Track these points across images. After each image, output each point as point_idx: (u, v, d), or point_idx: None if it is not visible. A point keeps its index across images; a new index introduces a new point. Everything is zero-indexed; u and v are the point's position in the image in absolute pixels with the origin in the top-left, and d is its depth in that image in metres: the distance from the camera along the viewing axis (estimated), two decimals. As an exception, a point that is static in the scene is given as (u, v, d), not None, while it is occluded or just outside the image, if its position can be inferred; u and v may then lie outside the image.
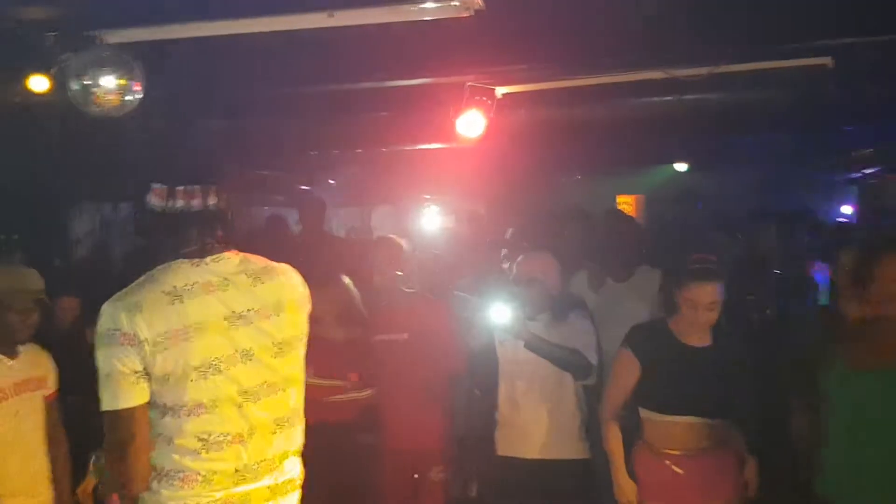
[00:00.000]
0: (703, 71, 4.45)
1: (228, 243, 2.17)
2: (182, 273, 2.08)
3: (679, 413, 3.30)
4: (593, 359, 3.78)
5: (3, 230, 6.20)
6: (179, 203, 2.09)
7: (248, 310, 2.10)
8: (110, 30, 3.85)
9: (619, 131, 5.48)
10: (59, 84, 3.85)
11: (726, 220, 6.42)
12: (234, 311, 2.08)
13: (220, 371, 2.04)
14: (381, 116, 5.08)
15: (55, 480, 3.23)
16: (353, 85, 4.50)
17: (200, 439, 2.03)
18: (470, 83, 4.56)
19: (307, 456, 2.30)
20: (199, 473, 2.04)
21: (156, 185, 2.11)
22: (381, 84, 4.44)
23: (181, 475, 2.04)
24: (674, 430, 3.32)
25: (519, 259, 4.00)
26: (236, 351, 2.08)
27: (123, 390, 1.98)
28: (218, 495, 2.05)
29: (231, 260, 2.14)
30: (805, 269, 5.03)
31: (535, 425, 3.82)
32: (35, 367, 3.18)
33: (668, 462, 3.33)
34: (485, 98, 4.63)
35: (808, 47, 4.27)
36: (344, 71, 4.28)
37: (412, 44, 3.92)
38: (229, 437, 2.05)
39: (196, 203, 2.10)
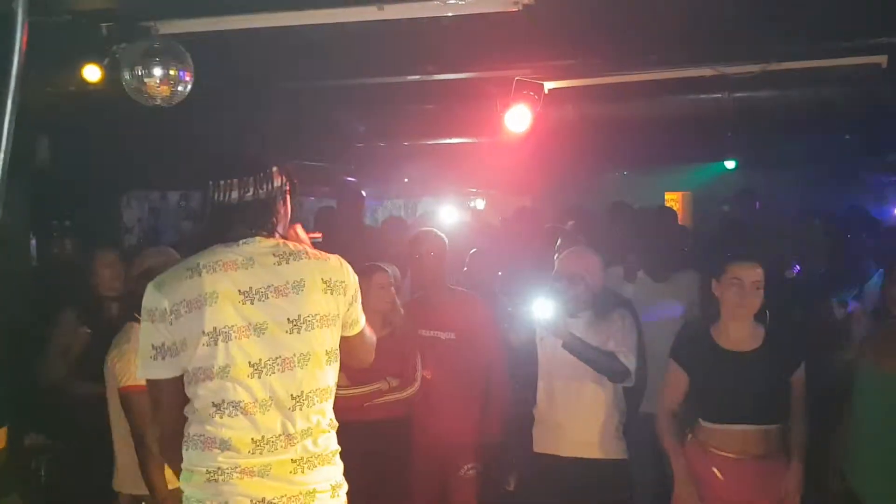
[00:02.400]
0: (755, 68, 4.37)
1: (270, 230, 2.21)
2: (211, 253, 2.16)
3: (732, 422, 3.24)
4: (631, 363, 3.73)
5: (56, 216, 6.34)
6: (232, 195, 2.17)
7: (268, 286, 2.13)
8: (163, 20, 3.91)
9: (668, 128, 5.43)
10: (113, 74, 3.91)
11: (779, 220, 6.28)
12: (251, 287, 2.12)
13: (229, 339, 2.08)
14: (429, 109, 5.08)
15: None
16: (401, 78, 4.52)
17: (214, 405, 2.09)
18: (518, 77, 4.54)
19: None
20: (217, 438, 2.09)
21: (213, 179, 2.19)
22: (430, 77, 4.44)
23: (202, 439, 2.11)
24: (727, 437, 3.26)
25: (562, 255, 3.97)
26: (249, 324, 2.10)
27: (150, 363, 2.13)
28: (237, 462, 2.09)
29: (262, 242, 2.19)
30: (858, 270, 4.92)
31: (571, 423, 3.79)
32: None
33: (714, 466, 3.28)
34: (532, 93, 4.61)
35: (862, 45, 4.17)
36: (392, 64, 4.29)
37: (461, 38, 3.92)
38: (241, 406, 2.09)
39: (246, 194, 2.18)
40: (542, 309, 3.72)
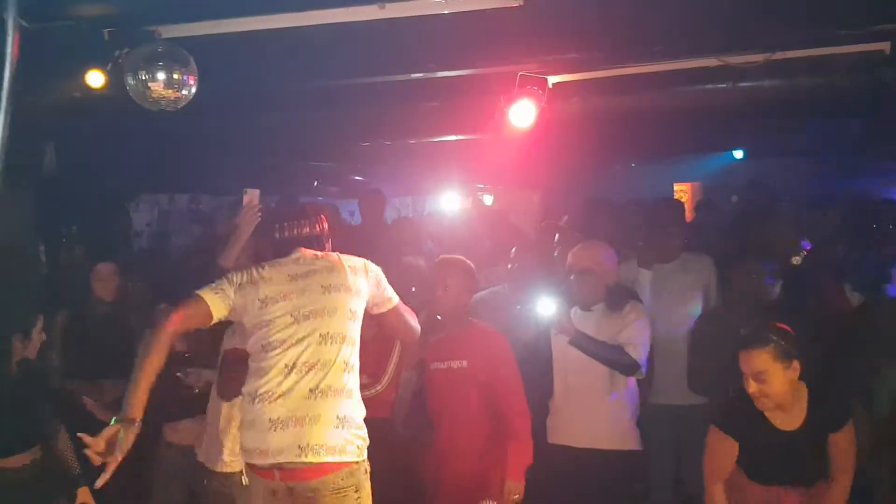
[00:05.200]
0: (759, 58, 4.34)
1: (311, 248, 3.07)
2: (274, 261, 3.05)
3: (775, 483, 3.21)
4: (641, 356, 3.77)
5: (66, 222, 6.37)
6: (288, 233, 3.08)
7: (306, 271, 2.98)
8: (165, 25, 3.92)
9: (674, 119, 5.40)
10: (116, 79, 3.92)
11: (791, 209, 6.26)
12: (296, 272, 2.97)
13: (276, 302, 2.90)
14: (433, 106, 5.07)
15: None
16: (405, 76, 4.50)
17: (262, 345, 2.89)
18: (521, 73, 4.52)
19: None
20: (260, 368, 2.88)
21: (279, 222, 3.12)
22: (433, 75, 4.42)
23: (252, 368, 2.93)
24: (768, 494, 3.22)
25: (573, 249, 3.96)
26: (294, 289, 2.93)
27: (210, 289, 2.90)
28: (274, 379, 2.83)
29: (305, 252, 3.06)
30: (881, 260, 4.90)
31: (585, 415, 3.83)
32: None
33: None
34: (536, 87, 4.59)
35: (865, 33, 4.14)
36: (395, 62, 4.28)
37: (462, 34, 3.91)
38: (280, 342, 2.86)
39: (299, 232, 3.09)
40: (547, 306, 3.72)
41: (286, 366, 2.84)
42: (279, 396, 2.81)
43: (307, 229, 3.11)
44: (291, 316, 2.89)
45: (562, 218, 5.71)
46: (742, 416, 3.17)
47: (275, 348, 2.87)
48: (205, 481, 3.54)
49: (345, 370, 2.89)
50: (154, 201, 8.29)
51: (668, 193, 8.14)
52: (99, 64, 4.00)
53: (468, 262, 3.86)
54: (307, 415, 2.79)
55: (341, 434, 2.80)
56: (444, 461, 3.77)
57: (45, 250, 6.36)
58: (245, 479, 3.00)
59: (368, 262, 3.11)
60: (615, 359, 3.75)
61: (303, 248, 3.07)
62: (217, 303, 2.87)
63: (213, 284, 2.92)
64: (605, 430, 3.82)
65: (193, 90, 3.96)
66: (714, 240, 5.77)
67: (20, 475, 3.72)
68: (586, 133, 5.73)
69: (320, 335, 2.87)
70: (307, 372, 2.83)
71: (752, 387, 3.03)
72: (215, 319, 2.90)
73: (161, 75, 3.86)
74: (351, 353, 2.93)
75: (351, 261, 3.07)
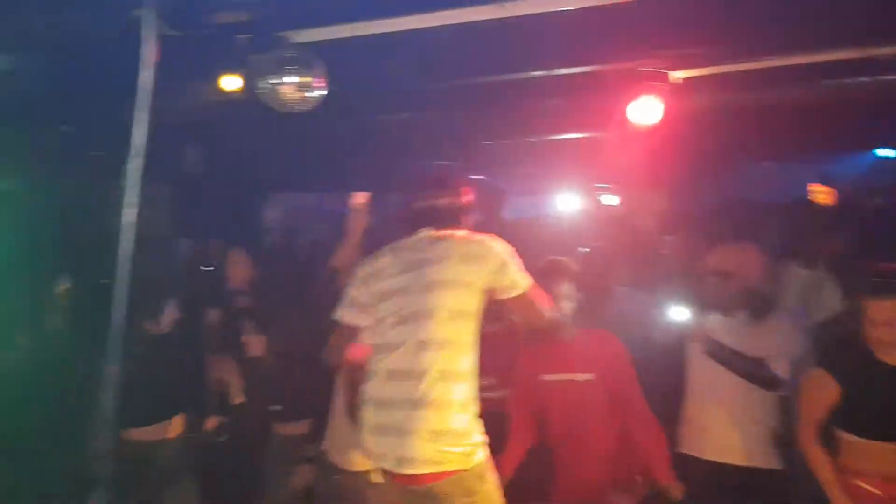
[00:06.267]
0: (904, 48, 4.07)
1: (442, 224, 2.92)
2: (396, 243, 2.99)
3: (882, 438, 3.05)
4: (784, 371, 3.51)
5: (203, 217, 6.74)
6: (422, 203, 2.94)
7: (416, 260, 2.86)
8: (296, 30, 4.08)
9: (811, 115, 5.13)
10: (250, 83, 4.12)
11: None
12: (407, 261, 2.87)
13: (386, 299, 2.86)
14: (553, 104, 5.04)
15: None
16: (524, 74, 4.50)
17: (374, 345, 2.88)
18: (643, 68, 4.43)
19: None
20: (370, 369, 2.87)
21: (413, 190, 2.99)
22: (552, 72, 4.40)
23: (367, 373, 2.90)
24: (875, 453, 3.07)
25: (715, 250, 3.77)
26: (400, 286, 2.84)
27: (344, 306, 3.00)
28: (379, 382, 2.81)
29: (428, 231, 2.92)
30: None
31: (717, 427, 3.65)
32: None
33: (862, 483, 3.09)
34: (658, 83, 4.48)
35: None
36: (514, 60, 4.29)
37: (582, 30, 3.87)
38: (385, 344, 2.82)
39: (433, 204, 2.94)
40: (684, 311, 3.58)
41: (387, 372, 2.79)
42: (380, 403, 2.79)
43: (442, 200, 2.94)
44: (395, 317, 2.82)
45: (682, 219, 5.53)
46: (847, 353, 3.11)
47: (380, 352, 2.84)
48: (335, 477, 3.64)
49: (441, 379, 2.71)
50: (284, 200, 8.63)
51: (803, 194, 7.75)
52: (234, 68, 4.22)
53: (571, 262, 3.74)
54: (402, 427, 2.70)
55: (437, 448, 2.68)
56: (567, 473, 3.70)
57: (184, 244, 6.77)
58: (375, 477, 3.08)
59: (495, 244, 2.86)
60: (755, 372, 3.52)
61: (430, 227, 2.93)
62: (353, 315, 3.00)
63: (343, 299, 3.02)
64: (741, 445, 3.62)
65: (322, 92, 4.11)
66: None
67: (167, 443, 4.00)
68: (713, 131, 5.54)
69: (417, 341, 2.74)
70: (403, 380, 2.73)
71: (887, 334, 2.94)
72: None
73: (291, 79, 4.03)
74: (452, 360, 2.74)
75: (471, 246, 2.84)
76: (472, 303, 2.81)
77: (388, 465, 2.77)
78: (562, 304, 3.53)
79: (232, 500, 4.36)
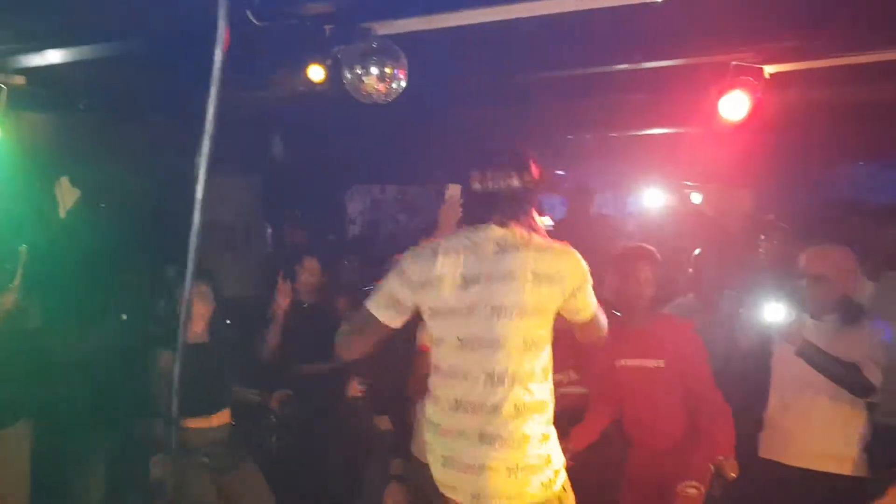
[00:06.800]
0: None
1: (509, 217, 2.48)
2: (453, 237, 2.55)
3: None
4: (877, 378, 3.39)
5: (290, 206, 6.90)
6: (489, 185, 2.48)
7: (480, 273, 2.44)
8: (381, 21, 4.12)
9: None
10: (335, 74, 4.19)
11: None
12: (469, 272, 2.45)
13: (445, 317, 2.48)
14: (638, 99, 4.95)
15: None
16: (608, 67, 4.43)
17: (434, 365, 2.55)
18: (735, 62, 4.29)
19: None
20: (432, 393, 2.56)
21: (473, 169, 2.52)
22: (638, 66, 4.31)
23: (429, 385, 2.59)
24: None
25: (808, 252, 3.67)
26: (462, 305, 2.45)
27: (381, 303, 2.56)
28: (444, 411, 2.51)
29: (492, 230, 2.47)
30: None
31: (802, 432, 3.56)
32: None
33: None
34: (751, 78, 4.33)
35: None
36: (598, 53, 4.22)
37: (671, 22, 3.78)
38: (448, 370, 2.50)
39: (502, 184, 2.48)
40: (776, 312, 3.49)
41: (453, 401, 2.47)
42: (449, 434, 2.50)
43: (513, 181, 2.48)
44: (459, 340, 2.46)
45: (769, 216, 5.36)
46: None
47: (444, 376, 2.52)
48: (417, 471, 3.65)
49: (516, 416, 2.41)
50: (367, 191, 8.77)
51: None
52: (319, 59, 4.29)
53: (654, 250, 3.69)
54: (475, 463, 2.44)
55: (515, 482, 2.43)
56: (637, 459, 3.74)
57: (272, 232, 6.95)
58: None
59: (573, 262, 2.47)
60: (846, 378, 3.40)
61: (494, 217, 2.48)
62: (389, 317, 2.57)
63: (380, 292, 2.59)
64: (826, 451, 3.52)
65: (404, 84, 4.14)
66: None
67: (218, 434, 4.16)
68: (807, 128, 5.34)
69: (486, 374, 2.42)
70: (473, 413, 2.44)
71: None
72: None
73: (374, 70, 4.07)
74: (526, 393, 2.43)
75: (546, 261, 2.42)
76: (545, 327, 2.49)
77: (461, 500, 2.52)
78: (644, 291, 3.57)
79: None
